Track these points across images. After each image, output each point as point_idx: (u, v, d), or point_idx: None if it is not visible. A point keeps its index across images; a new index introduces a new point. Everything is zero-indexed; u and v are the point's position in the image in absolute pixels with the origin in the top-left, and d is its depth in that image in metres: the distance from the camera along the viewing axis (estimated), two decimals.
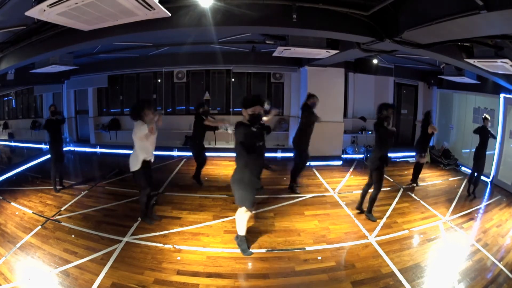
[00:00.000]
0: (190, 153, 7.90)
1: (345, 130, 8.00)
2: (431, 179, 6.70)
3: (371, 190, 4.56)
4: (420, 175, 6.31)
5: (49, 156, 5.65)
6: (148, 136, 3.82)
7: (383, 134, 4.31)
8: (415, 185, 6.08)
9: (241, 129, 3.17)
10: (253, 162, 3.24)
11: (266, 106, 6.31)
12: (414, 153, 6.50)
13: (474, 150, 5.70)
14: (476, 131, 5.65)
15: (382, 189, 5.76)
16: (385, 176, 6.53)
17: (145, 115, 3.82)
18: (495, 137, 5.70)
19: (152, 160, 4.12)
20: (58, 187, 5.46)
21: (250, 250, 3.60)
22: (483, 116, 5.66)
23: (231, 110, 8.76)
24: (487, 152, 5.79)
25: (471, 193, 5.63)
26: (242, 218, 3.47)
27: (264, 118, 6.28)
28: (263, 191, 3.47)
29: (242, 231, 3.55)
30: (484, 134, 5.55)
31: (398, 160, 8.22)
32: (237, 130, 3.21)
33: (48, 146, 5.60)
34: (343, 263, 3.46)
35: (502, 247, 3.88)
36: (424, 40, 3.67)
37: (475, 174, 5.65)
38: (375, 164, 4.40)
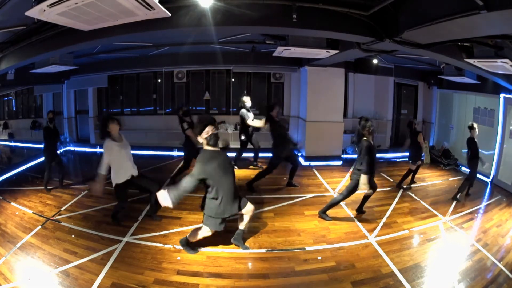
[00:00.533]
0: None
1: (345, 130, 7.99)
2: (431, 179, 6.70)
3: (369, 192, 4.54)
4: (420, 175, 6.32)
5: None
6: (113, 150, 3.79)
7: (363, 147, 4.17)
8: (401, 189, 5.87)
9: (208, 159, 3.06)
10: (227, 187, 3.16)
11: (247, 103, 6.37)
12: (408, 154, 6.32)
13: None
14: (467, 143, 5.38)
15: (383, 189, 5.82)
16: (385, 176, 6.63)
17: (111, 130, 3.80)
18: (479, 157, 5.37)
19: (135, 174, 4.01)
20: (49, 187, 5.47)
21: (195, 250, 3.55)
22: (469, 125, 5.35)
23: (231, 110, 8.76)
24: (486, 152, 5.74)
25: (467, 193, 5.60)
26: (201, 232, 3.37)
27: (257, 124, 6.12)
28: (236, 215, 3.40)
29: (192, 239, 3.47)
30: (472, 146, 5.30)
31: (398, 160, 8.22)
32: (202, 163, 3.05)
33: (42, 147, 5.60)
34: (343, 263, 3.46)
35: (502, 247, 3.88)
36: (424, 40, 3.67)
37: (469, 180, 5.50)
38: (354, 172, 4.34)
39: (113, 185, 3.93)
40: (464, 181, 5.49)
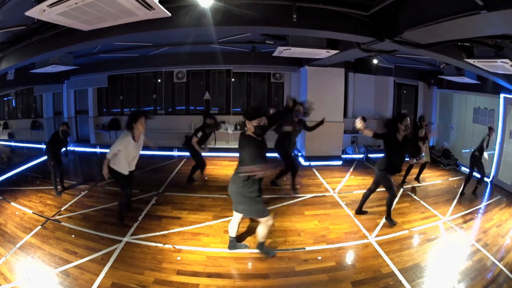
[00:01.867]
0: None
1: (345, 130, 8.00)
2: (431, 179, 6.70)
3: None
4: (421, 175, 6.33)
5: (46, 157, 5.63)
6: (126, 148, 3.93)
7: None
8: (403, 187, 5.99)
9: (252, 143, 3.06)
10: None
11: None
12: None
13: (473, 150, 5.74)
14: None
15: (383, 189, 5.78)
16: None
17: (136, 127, 3.94)
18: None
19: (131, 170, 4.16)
20: (58, 187, 5.39)
21: (272, 251, 3.58)
22: (489, 126, 5.66)
23: (231, 110, 8.76)
24: (487, 152, 5.78)
25: (462, 193, 5.68)
26: (266, 226, 3.34)
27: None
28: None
29: (262, 238, 3.47)
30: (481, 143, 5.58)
31: None
32: (247, 142, 3.07)
33: (45, 146, 5.56)
34: (343, 263, 3.46)
35: (502, 247, 3.88)
36: (424, 40, 3.67)
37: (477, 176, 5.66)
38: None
39: (115, 173, 4.01)
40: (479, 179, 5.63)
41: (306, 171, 6.93)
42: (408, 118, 4.11)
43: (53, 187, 5.40)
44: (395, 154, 4.21)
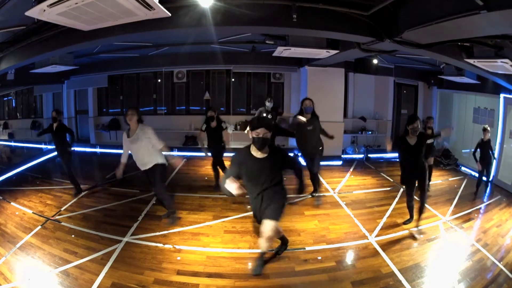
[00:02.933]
0: (190, 153, 7.97)
1: (345, 130, 7.99)
2: (431, 179, 6.68)
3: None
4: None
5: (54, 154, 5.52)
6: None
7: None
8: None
9: (247, 158, 2.84)
10: (249, 189, 2.94)
11: (268, 104, 6.05)
12: None
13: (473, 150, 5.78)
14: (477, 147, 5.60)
15: (383, 189, 5.82)
16: (385, 176, 6.62)
17: (128, 122, 3.97)
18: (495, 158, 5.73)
19: (144, 168, 4.14)
20: (82, 187, 5.35)
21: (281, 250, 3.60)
22: (483, 127, 5.60)
23: (231, 110, 8.76)
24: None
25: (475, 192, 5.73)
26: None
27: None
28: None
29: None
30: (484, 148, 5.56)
31: (398, 160, 8.21)
32: (243, 156, 2.89)
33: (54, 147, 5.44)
34: (343, 263, 3.46)
35: (502, 247, 3.87)
36: (424, 40, 3.66)
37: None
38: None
39: None
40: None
41: (306, 171, 6.91)
42: (418, 121, 3.92)
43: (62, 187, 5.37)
44: (406, 158, 4.19)
